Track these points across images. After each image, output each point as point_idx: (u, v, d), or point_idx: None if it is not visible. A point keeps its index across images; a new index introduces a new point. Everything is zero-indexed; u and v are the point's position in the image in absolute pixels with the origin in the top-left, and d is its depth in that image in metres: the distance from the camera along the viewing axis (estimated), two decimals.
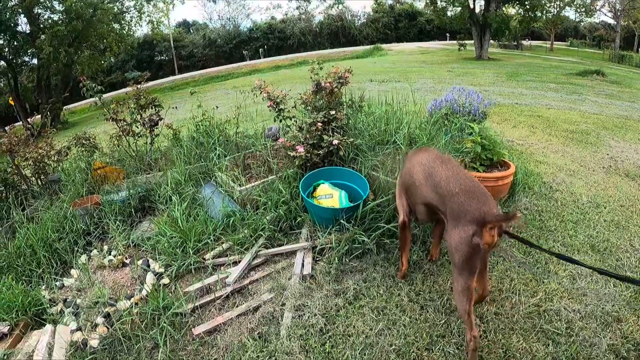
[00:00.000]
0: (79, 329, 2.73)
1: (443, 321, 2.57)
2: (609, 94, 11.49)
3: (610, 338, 2.44)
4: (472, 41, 24.73)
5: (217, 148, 4.72)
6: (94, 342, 2.61)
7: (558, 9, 34.51)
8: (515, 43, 35.09)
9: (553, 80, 13.69)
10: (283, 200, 3.74)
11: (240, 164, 4.50)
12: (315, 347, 2.46)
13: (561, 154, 5.71)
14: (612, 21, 37.50)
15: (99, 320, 2.76)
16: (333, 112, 4.24)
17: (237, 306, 2.87)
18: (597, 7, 36.98)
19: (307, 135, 4.08)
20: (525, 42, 37.64)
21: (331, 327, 2.61)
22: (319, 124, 4.06)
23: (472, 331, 2.19)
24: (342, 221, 3.32)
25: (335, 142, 3.96)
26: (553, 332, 2.48)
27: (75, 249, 3.59)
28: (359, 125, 4.78)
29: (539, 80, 13.81)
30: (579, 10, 36.98)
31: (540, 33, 42.11)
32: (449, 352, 2.37)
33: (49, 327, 2.78)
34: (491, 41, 25.59)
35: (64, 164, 5.19)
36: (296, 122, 4.68)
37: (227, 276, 3.09)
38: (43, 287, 3.19)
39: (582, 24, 45.81)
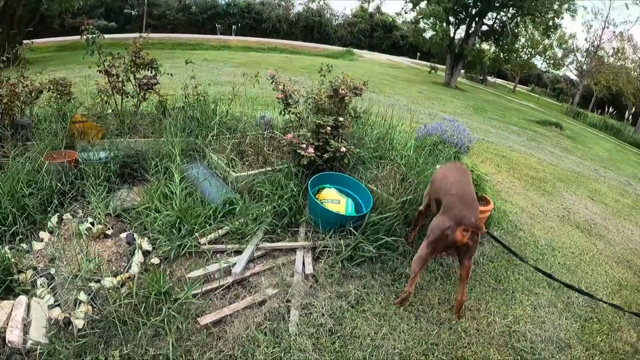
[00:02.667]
0: (57, 304, 2.48)
1: (435, 331, 2.93)
2: (565, 147, 12.45)
3: None
4: (444, 67, 25.57)
5: (216, 127, 4.61)
6: (78, 323, 2.38)
7: (529, 56, 36.30)
8: (482, 77, 36.60)
9: (516, 124, 14.58)
10: (288, 196, 3.84)
11: (234, 149, 4.42)
12: (327, 346, 2.62)
13: (523, 196, 6.28)
14: (575, 78, 39.80)
15: (82, 297, 2.51)
16: (342, 119, 4.33)
17: (240, 298, 2.88)
18: (566, 63, 39.27)
19: (313, 136, 4.19)
20: (491, 79, 39.28)
21: (339, 327, 2.79)
22: (328, 127, 4.16)
23: (410, 287, 2.98)
24: (350, 228, 3.53)
25: (343, 149, 4.12)
26: (521, 349, 2.96)
27: (47, 208, 3.32)
28: (360, 136, 5.02)
29: (503, 120, 14.67)
30: (548, 61, 39.10)
31: (505, 72, 44.03)
32: (442, 359, 2.73)
33: (22, 298, 2.45)
34: (461, 71, 26.66)
35: (32, 108, 4.63)
36: (298, 118, 4.82)
37: (231, 266, 3.10)
38: (7, 248, 2.83)
39: (547, 74, 48.27)
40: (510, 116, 16.50)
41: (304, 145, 4.05)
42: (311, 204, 3.78)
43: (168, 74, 5.18)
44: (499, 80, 42.47)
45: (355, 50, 38.14)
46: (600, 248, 5.12)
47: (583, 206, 6.63)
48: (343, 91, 4.60)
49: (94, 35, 4.61)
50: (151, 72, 5.01)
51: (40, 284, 2.59)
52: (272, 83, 4.90)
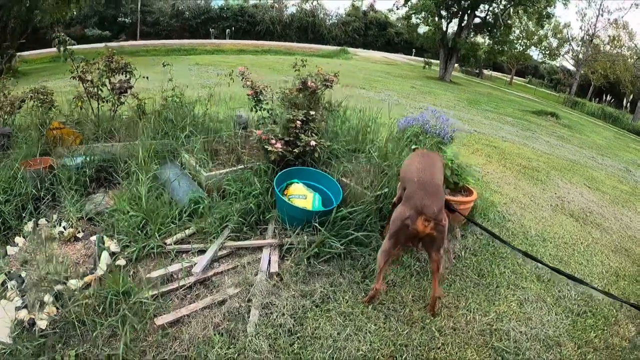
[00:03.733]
0: (24, 306, 2.54)
1: (406, 332, 2.70)
2: (560, 136, 12.19)
3: None
4: (438, 61, 25.42)
5: (188, 127, 4.60)
6: (42, 323, 2.43)
7: (524, 47, 36.09)
8: (478, 71, 36.40)
9: (510, 115, 14.35)
10: (254, 193, 3.73)
11: (208, 148, 4.40)
12: (285, 347, 2.49)
13: (514, 186, 6.04)
14: (572, 67, 39.53)
15: (48, 298, 2.57)
16: (313, 113, 4.27)
17: (201, 298, 2.81)
18: (561, 53, 39.00)
19: (283, 131, 4.10)
20: (487, 72, 39.15)
21: (299, 328, 2.64)
22: (298, 122, 4.08)
23: (377, 284, 2.80)
24: (315, 224, 3.36)
25: (313, 143, 4.00)
26: (503, 349, 2.69)
27: (22, 214, 3.36)
28: (335, 129, 4.85)
29: (497, 112, 14.44)
30: (543, 52, 38.86)
31: (501, 65, 43.86)
32: None
33: None
34: (456, 65, 26.43)
35: (15, 118, 4.77)
36: (271, 114, 4.68)
37: (192, 265, 3.02)
38: None
39: (544, 65, 48.07)
40: (505, 107, 16.25)
41: (273, 141, 3.95)
42: (277, 200, 3.64)
43: (144, 77, 5.16)
44: (495, 73, 42.35)
45: (350, 49, 38.04)
46: (595, 237, 4.86)
47: (578, 194, 6.37)
48: (312, 84, 4.52)
49: (66, 42, 4.74)
50: (125, 76, 5.01)
51: (10, 287, 2.67)
52: (241, 80, 4.79)
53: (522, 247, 4.17)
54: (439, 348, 2.62)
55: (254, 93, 4.72)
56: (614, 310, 3.37)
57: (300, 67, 4.94)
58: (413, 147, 3.86)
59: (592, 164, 9.13)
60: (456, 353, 2.61)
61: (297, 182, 3.84)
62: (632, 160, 11.06)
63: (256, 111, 4.85)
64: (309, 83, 4.52)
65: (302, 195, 3.64)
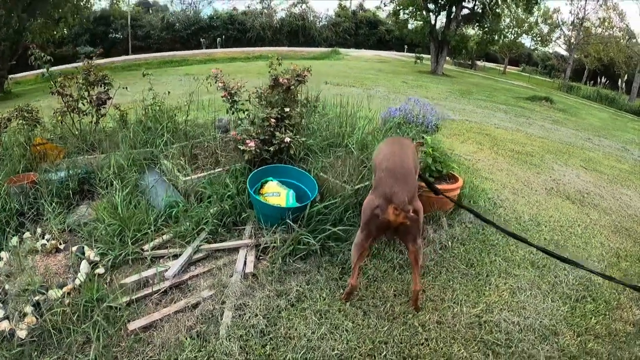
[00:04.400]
0: (6, 317, 2.55)
1: (386, 328, 2.55)
2: (555, 120, 12.03)
3: (547, 350, 2.53)
4: (429, 55, 25.29)
5: (165, 134, 4.53)
6: (21, 333, 2.44)
7: (515, 35, 35.93)
8: (470, 62, 36.21)
9: (503, 102, 14.19)
10: (229, 195, 3.63)
11: (187, 154, 4.34)
12: (256, 348, 2.39)
13: (506, 172, 5.88)
14: (565, 53, 39.30)
15: (28, 309, 2.59)
16: (287, 110, 4.18)
17: (175, 302, 2.73)
18: (553, 38, 38.82)
19: (259, 130, 4.00)
20: (480, 63, 38.91)
21: (272, 328, 2.53)
22: (272, 119, 3.99)
23: (352, 279, 2.65)
24: (288, 221, 3.25)
25: (287, 139, 3.90)
26: (493, 342, 2.53)
27: (7, 230, 3.35)
28: (312, 126, 4.75)
29: (490, 100, 14.29)
30: (535, 39, 38.70)
31: (494, 56, 43.69)
32: (391, 359, 2.35)
33: None
34: (447, 58, 26.27)
35: (2, 137, 4.79)
36: (249, 115, 4.57)
37: (166, 270, 2.94)
38: None
39: (536, 52, 47.94)
40: (498, 96, 16.07)
41: (248, 141, 3.87)
42: (251, 199, 3.54)
43: (123, 87, 5.16)
44: (488, 64, 42.11)
45: (342, 50, 37.97)
46: (594, 218, 4.70)
47: (575, 176, 6.20)
48: (284, 80, 4.40)
49: (42, 58, 4.74)
50: (104, 88, 4.98)
51: None
52: (215, 82, 4.69)
53: (515, 232, 3.98)
54: (422, 344, 2.46)
55: (227, 94, 4.61)
56: (616, 294, 3.20)
57: (277, 65, 4.78)
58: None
59: (589, 145, 8.98)
60: (441, 348, 2.44)
61: (272, 180, 3.73)
62: (630, 140, 10.90)
63: (233, 113, 4.73)
64: (280, 80, 4.40)
65: (275, 193, 3.54)
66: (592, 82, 34.39)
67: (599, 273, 2.58)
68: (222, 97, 4.68)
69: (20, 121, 4.95)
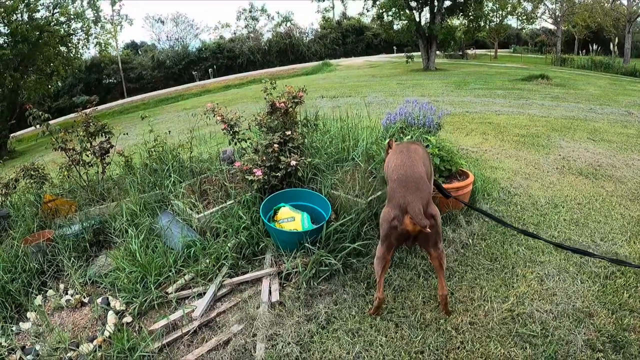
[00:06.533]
0: None
1: (419, 337, 2.52)
2: (555, 96, 11.97)
3: (584, 334, 2.48)
4: (419, 53, 25.32)
5: (172, 175, 4.55)
6: None
7: (500, 18, 35.91)
8: (461, 53, 36.22)
9: (500, 87, 14.16)
10: (244, 226, 3.62)
11: (196, 190, 4.35)
12: None
13: (515, 158, 5.85)
14: (552, 27, 39.20)
15: None
16: (289, 133, 4.17)
17: (206, 341, 2.70)
18: (538, 15, 38.72)
19: (264, 157, 3.99)
20: (470, 52, 38.93)
21: (307, 354, 2.50)
22: (275, 145, 3.98)
23: (378, 293, 2.64)
24: (306, 244, 3.24)
25: (293, 163, 3.89)
26: (529, 334, 2.49)
27: (29, 290, 3.37)
28: (316, 144, 4.75)
29: (487, 87, 14.26)
30: (520, 18, 38.63)
31: (484, 42, 43.71)
32: None
33: None
34: (437, 52, 26.30)
35: (12, 198, 4.89)
36: (251, 144, 4.59)
37: (193, 310, 2.94)
38: None
39: (524, 31, 47.88)
40: (493, 82, 16.04)
41: (255, 170, 3.87)
42: (267, 228, 3.53)
43: (124, 133, 5.23)
44: (479, 51, 42.10)
45: (332, 61, 38.23)
46: (610, 190, 4.65)
47: (584, 150, 6.15)
48: (282, 104, 4.40)
49: (40, 117, 4.85)
50: (105, 137, 5.01)
51: None
52: (213, 117, 4.71)
53: (534, 219, 3.97)
54: (458, 348, 2.43)
55: (227, 126, 4.64)
56: None
57: (271, 90, 4.82)
58: (386, 141, 3.67)
59: (592, 115, 8.92)
60: (478, 349, 2.41)
61: (284, 206, 3.72)
62: (632, 102, 10.81)
63: (235, 143, 4.76)
64: (277, 104, 4.39)
65: (290, 218, 3.53)
66: (584, 51, 34.23)
67: (607, 258, 2.55)
68: (222, 129, 4.70)
69: (28, 180, 4.98)
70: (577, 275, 3.03)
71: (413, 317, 2.68)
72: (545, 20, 39.86)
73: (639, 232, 3.69)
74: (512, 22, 40.12)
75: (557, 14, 36.28)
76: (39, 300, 3.28)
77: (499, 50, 40.89)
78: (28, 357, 2.71)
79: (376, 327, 2.63)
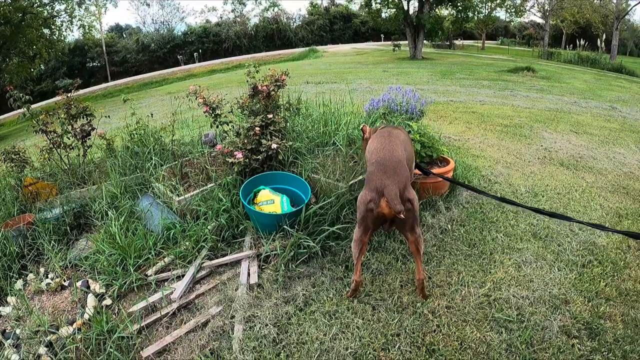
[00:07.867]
0: None
1: (396, 320, 2.53)
2: (540, 88, 12.05)
3: (560, 320, 2.52)
4: (407, 42, 25.30)
5: (153, 157, 4.52)
6: None
7: (489, 10, 35.99)
8: (448, 43, 36.26)
9: (486, 78, 14.21)
10: (224, 209, 3.61)
11: (177, 173, 4.32)
12: (270, 358, 2.37)
13: (497, 147, 5.89)
14: (541, 20, 39.43)
15: (42, 350, 2.58)
16: (270, 116, 4.14)
17: (185, 323, 2.72)
18: (527, 8, 38.93)
19: (245, 140, 3.97)
20: (458, 42, 39.00)
21: (284, 336, 2.51)
22: (257, 128, 3.96)
23: (355, 276, 2.64)
24: (285, 227, 3.24)
25: (274, 146, 3.87)
26: (505, 319, 2.52)
27: (10, 274, 3.34)
28: (297, 128, 4.74)
29: (472, 77, 14.30)
30: (509, 10, 38.79)
31: (472, 33, 43.82)
32: (406, 350, 2.34)
33: None
34: (425, 41, 26.30)
35: None
36: (233, 127, 4.56)
37: (172, 292, 2.93)
38: None
39: (512, 23, 48.10)
40: (480, 72, 16.09)
41: (235, 153, 3.85)
42: (246, 210, 3.52)
43: (106, 116, 5.16)
44: (466, 42, 42.21)
45: (319, 47, 37.99)
46: (590, 181, 4.72)
47: (566, 142, 6.22)
48: (263, 87, 4.36)
49: (20, 99, 4.75)
50: (86, 120, 4.91)
51: (7, 345, 2.69)
52: (195, 99, 4.65)
53: (513, 207, 3.96)
54: (434, 331, 2.45)
55: (209, 109, 4.58)
56: (622, 253, 3.21)
57: (254, 73, 4.76)
58: (361, 126, 3.66)
59: (576, 109, 9.01)
60: (454, 333, 2.43)
61: (264, 188, 3.71)
62: (616, 98, 10.93)
63: (217, 126, 4.72)
64: (259, 87, 4.36)
65: (269, 201, 3.51)
66: (571, 45, 34.43)
67: (589, 223, 2.55)
68: (204, 112, 4.65)
69: (9, 164, 4.94)
70: (554, 262, 3.08)
71: (390, 300, 2.70)
72: (534, 14, 40.18)
73: (618, 223, 3.76)
74: (501, 14, 40.26)
75: (546, 8, 36.50)
76: (19, 284, 3.26)
77: (486, 41, 40.97)
78: (8, 341, 2.70)
79: (353, 310, 2.64)
